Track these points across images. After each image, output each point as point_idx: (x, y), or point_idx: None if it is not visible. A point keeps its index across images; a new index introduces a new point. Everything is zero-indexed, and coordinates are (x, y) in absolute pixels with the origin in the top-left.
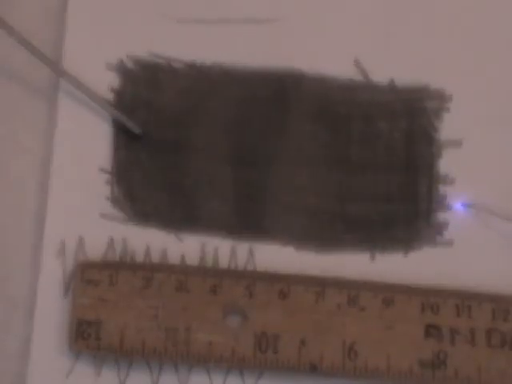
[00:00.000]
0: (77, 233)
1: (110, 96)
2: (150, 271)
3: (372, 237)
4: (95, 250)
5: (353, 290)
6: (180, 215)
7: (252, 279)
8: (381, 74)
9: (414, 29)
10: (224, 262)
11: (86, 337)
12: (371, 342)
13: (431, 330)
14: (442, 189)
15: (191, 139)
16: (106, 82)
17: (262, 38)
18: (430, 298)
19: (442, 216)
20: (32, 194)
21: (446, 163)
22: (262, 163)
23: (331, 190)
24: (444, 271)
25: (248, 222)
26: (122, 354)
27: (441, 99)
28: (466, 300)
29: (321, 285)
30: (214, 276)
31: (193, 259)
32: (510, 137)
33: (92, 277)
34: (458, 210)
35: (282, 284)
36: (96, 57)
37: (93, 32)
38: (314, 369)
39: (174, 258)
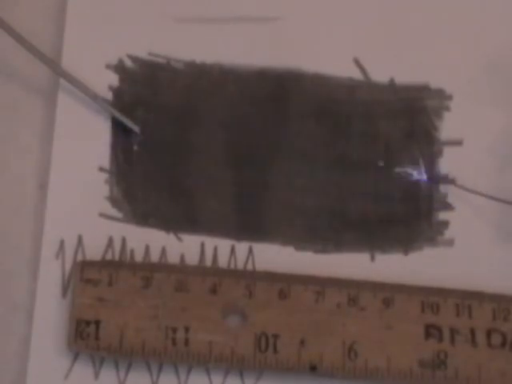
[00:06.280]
0: (76, 232)
1: (110, 95)
2: (149, 271)
3: (372, 237)
4: (94, 249)
5: (353, 290)
6: (179, 215)
7: (252, 279)
8: (381, 73)
9: (414, 29)
10: (224, 261)
11: (85, 337)
12: (371, 342)
13: (431, 330)
14: (443, 188)
15: (191, 139)
16: (105, 82)
17: (262, 38)
18: (429, 297)
19: (442, 216)
20: (31, 194)
21: (446, 163)
22: (262, 163)
23: (331, 189)
24: (444, 271)
25: (248, 222)
26: (122, 354)
27: (441, 98)
28: (466, 300)
29: (321, 285)
30: (213, 276)
31: (192, 259)
32: (510, 136)
33: (91, 276)
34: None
35: (282, 284)
36: (95, 56)
37: (92, 31)
38: (313, 369)
39: (173, 258)
